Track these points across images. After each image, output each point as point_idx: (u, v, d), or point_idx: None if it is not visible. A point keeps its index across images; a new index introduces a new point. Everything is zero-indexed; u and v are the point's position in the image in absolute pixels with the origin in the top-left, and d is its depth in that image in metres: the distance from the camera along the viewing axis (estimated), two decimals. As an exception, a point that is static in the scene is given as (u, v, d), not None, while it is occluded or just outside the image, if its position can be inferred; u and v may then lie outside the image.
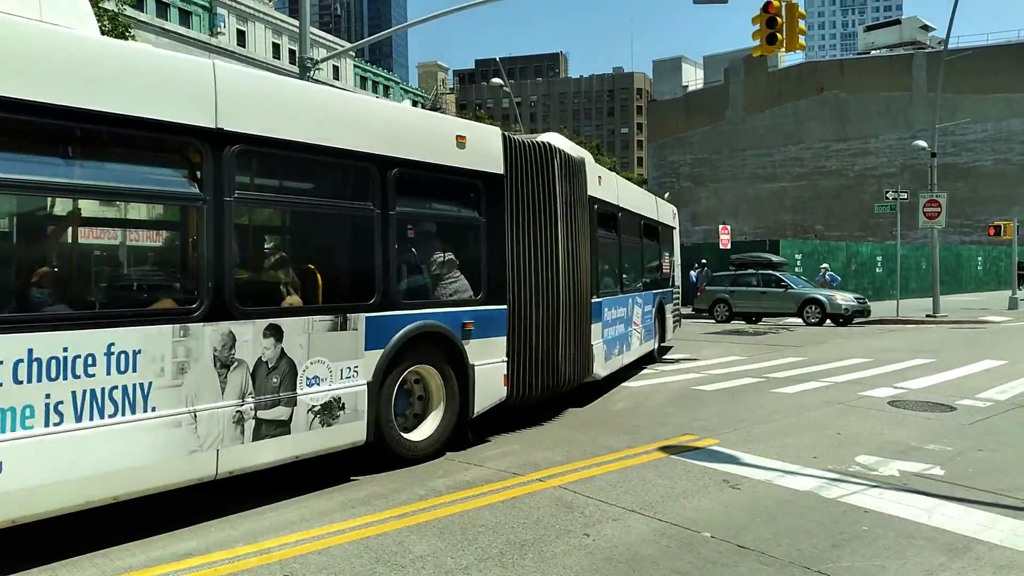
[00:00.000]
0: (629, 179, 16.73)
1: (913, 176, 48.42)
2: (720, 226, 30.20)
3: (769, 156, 60.52)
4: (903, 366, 13.09)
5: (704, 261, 28.03)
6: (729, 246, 28.57)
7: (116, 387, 4.56)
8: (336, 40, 74.34)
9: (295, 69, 57.15)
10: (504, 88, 40.32)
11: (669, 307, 15.46)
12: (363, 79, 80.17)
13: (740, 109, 61.94)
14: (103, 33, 19.67)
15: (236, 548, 4.74)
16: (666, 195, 26.04)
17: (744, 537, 4.89)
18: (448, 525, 5.13)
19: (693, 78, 78.82)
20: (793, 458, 6.85)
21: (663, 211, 15.58)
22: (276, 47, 63.63)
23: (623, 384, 11.54)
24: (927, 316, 23.91)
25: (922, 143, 28.59)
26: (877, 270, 36.24)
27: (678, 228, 17.50)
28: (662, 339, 14.78)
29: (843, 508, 5.48)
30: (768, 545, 4.75)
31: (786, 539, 4.86)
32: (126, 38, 22.96)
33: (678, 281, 17.27)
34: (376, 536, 4.92)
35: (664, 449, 7.20)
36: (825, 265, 27.30)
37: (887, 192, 26.24)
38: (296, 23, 62.19)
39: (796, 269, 30.72)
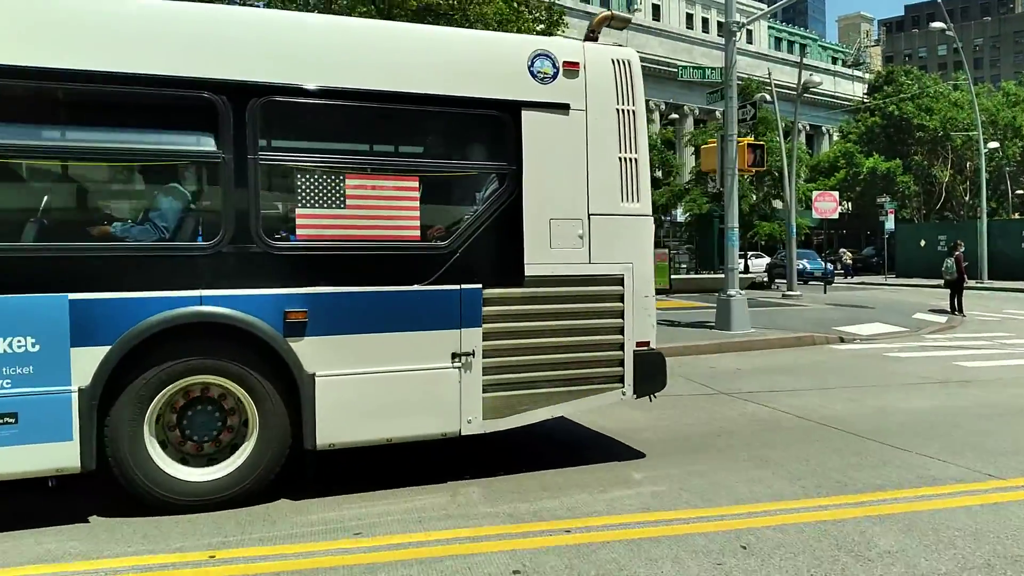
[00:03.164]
0: None
1: None
2: None
3: None
4: None
5: None
6: None
7: None
8: (751, 3, 72.12)
9: (708, 38, 56.53)
10: (947, 32, 35.27)
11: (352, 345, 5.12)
12: (777, 40, 76.81)
13: None
14: (538, 22, 21.18)
15: (688, 509, 4.87)
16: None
17: None
18: (915, 522, 4.64)
19: None
20: None
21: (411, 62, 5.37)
22: (689, 17, 63.93)
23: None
24: None
25: None
26: None
27: (593, 114, 5.74)
28: (314, 438, 5.00)
29: None
30: None
31: None
32: (559, 24, 24.90)
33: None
34: (833, 522, 4.65)
35: None
36: None
37: None
38: (710, -10, 61.88)
39: None
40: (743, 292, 14.60)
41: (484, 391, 5.36)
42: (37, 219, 4.77)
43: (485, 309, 5.35)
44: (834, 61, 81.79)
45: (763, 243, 37.15)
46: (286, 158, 5.25)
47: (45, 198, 4.95)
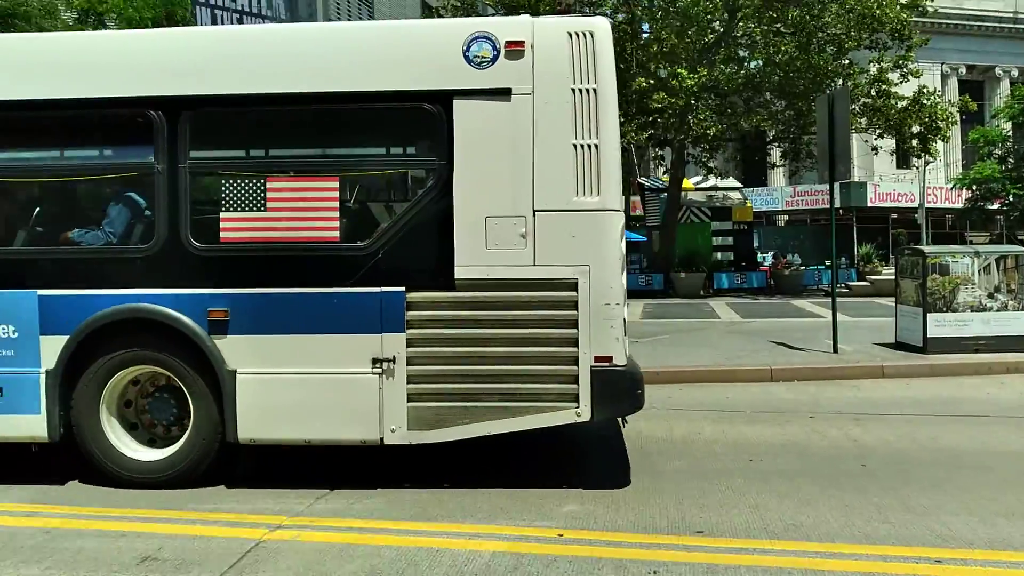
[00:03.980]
0: None
1: None
2: None
3: None
4: None
5: None
6: None
7: None
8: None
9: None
10: None
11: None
12: None
13: None
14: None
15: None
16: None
17: None
18: None
19: None
20: None
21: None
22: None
23: None
24: None
25: None
26: None
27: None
28: (228, 435, 5.27)
29: None
30: None
31: None
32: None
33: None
34: None
35: None
36: None
37: None
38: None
39: None
40: None
41: (409, 400, 5.07)
42: (15, 228, 5.79)
43: (410, 314, 5.05)
44: None
45: None
46: (208, 165, 5.51)
47: (20, 211, 5.93)
